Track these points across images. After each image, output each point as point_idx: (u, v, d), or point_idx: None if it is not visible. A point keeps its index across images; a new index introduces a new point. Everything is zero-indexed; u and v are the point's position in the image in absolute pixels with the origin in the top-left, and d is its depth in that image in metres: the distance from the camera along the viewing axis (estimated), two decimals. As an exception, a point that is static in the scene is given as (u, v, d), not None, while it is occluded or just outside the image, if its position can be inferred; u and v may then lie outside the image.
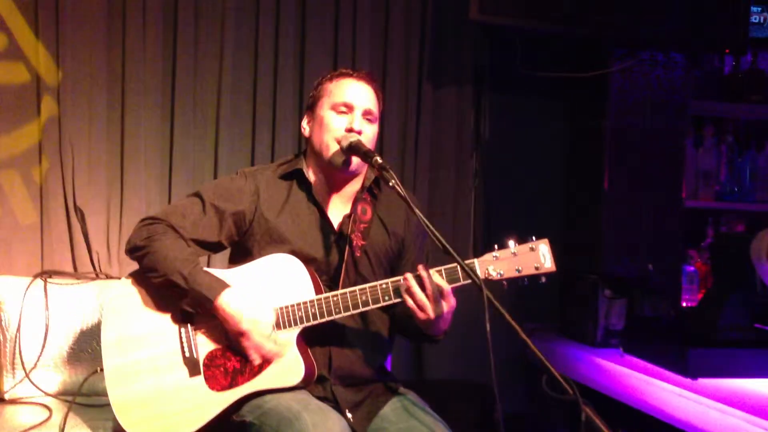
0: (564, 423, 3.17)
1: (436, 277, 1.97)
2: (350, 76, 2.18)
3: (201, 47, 3.13)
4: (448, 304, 1.97)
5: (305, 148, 2.26)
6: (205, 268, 2.10)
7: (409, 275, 1.97)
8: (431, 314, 1.96)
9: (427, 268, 1.97)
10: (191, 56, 3.12)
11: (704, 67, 3.54)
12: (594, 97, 3.33)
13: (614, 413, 2.73)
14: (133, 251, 2.12)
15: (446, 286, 1.96)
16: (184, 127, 3.14)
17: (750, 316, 2.78)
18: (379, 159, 2.00)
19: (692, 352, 2.65)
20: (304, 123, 2.24)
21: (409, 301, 1.97)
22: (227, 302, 2.01)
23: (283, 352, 2.03)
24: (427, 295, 1.95)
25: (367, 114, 2.15)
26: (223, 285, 2.03)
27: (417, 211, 1.93)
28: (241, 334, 2.01)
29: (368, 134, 2.14)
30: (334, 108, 2.14)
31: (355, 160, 2.11)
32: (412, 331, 2.13)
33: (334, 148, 2.11)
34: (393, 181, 1.96)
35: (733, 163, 3.62)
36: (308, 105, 2.25)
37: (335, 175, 2.16)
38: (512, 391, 3.27)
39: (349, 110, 2.13)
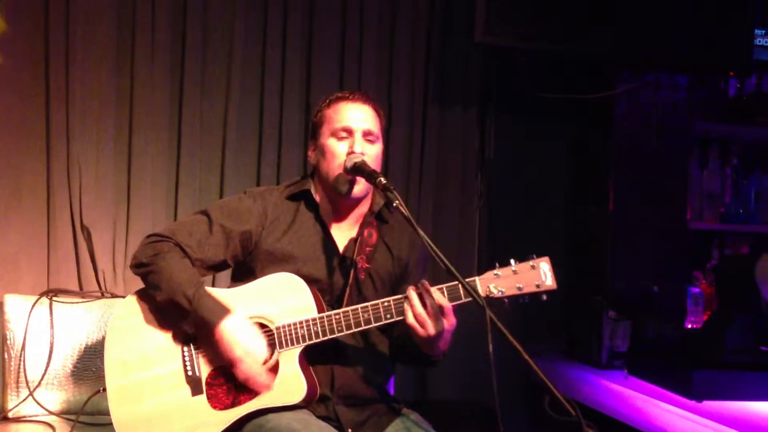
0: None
1: (437, 294, 1.97)
2: (346, 99, 2.18)
3: (209, 69, 3.16)
4: (449, 322, 1.97)
5: (312, 170, 2.27)
6: (208, 288, 2.10)
7: (411, 289, 1.97)
8: (431, 331, 1.95)
9: (428, 285, 1.97)
10: (198, 77, 3.15)
11: (709, 89, 3.54)
12: (599, 119, 3.34)
13: (619, 435, 2.72)
14: (137, 267, 2.13)
15: (447, 303, 1.96)
16: (190, 148, 3.16)
17: (755, 338, 2.76)
18: (383, 180, 2.01)
19: (697, 374, 2.64)
20: (310, 152, 2.25)
21: (409, 316, 1.96)
22: (225, 329, 2.01)
23: (284, 373, 2.02)
24: (427, 311, 1.94)
25: (367, 135, 2.15)
26: (226, 311, 2.03)
27: (419, 230, 1.92)
28: (234, 362, 2.01)
29: (371, 154, 2.14)
30: (335, 134, 2.15)
31: (359, 184, 2.11)
32: (410, 350, 2.11)
33: (338, 172, 2.12)
34: (397, 201, 1.97)
35: (738, 185, 3.61)
36: (311, 134, 2.25)
37: (341, 201, 2.18)
38: (515, 412, 3.25)
39: (349, 134, 2.14)
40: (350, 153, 2.11)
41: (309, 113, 3.25)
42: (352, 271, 2.15)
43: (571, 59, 3.32)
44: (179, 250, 2.10)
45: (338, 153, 2.13)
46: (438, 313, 1.95)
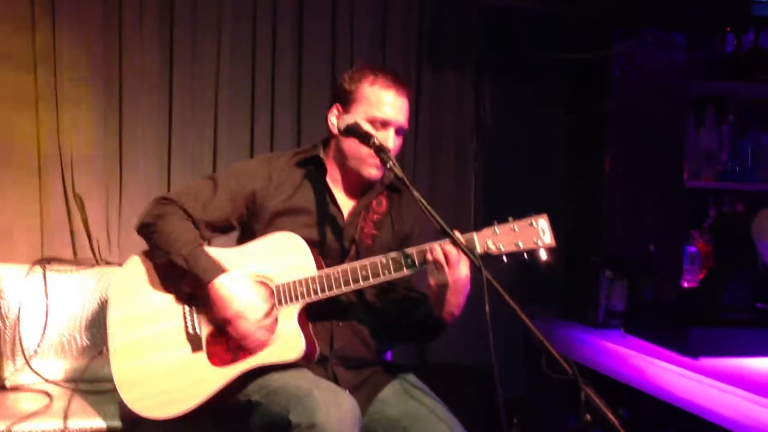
0: (564, 404, 3.17)
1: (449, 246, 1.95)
2: (389, 87, 2.12)
3: (198, 31, 3.12)
4: (466, 268, 1.95)
5: (326, 137, 2.24)
6: (209, 248, 2.12)
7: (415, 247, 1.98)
8: (449, 277, 1.93)
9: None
10: (189, 40, 3.11)
11: (706, 46, 3.50)
12: (595, 79, 3.31)
13: (616, 394, 2.73)
14: (141, 228, 2.16)
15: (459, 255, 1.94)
16: (182, 114, 3.13)
17: (751, 296, 2.77)
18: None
19: (693, 331, 2.65)
20: (333, 118, 2.19)
21: (431, 258, 1.94)
22: (219, 287, 2.03)
23: (283, 329, 2.03)
24: (446, 255, 1.93)
25: (400, 129, 2.14)
26: (220, 270, 2.05)
27: (415, 192, 1.92)
28: (228, 321, 2.02)
29: (397, 146, 2.14)
30: (372, 122, 2.10)
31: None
32: (419, 318, 2.12)
33: (366, 161, 2.11)
34: (390, 162, 1.98)
35: (735, 143, 3.59)
36: (340, 99, 2.17)
37: (357, 177, 2.17)
38: (513, 373, 3.26)
39: (384, 126, 2.11)
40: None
41: (300, 75, 3.22)
42: (355, 237, 2.16)
43: (567, 18, 3.27)
44: (182, 212, 2.13)
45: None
46: (458, 258, 1.93)
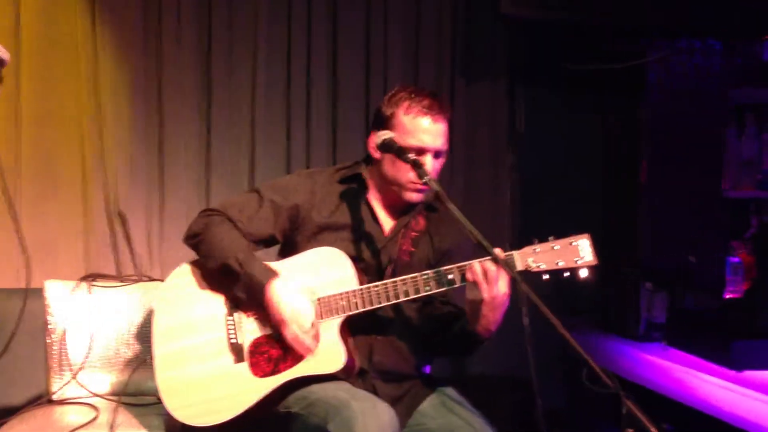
0: (605, 417, 3.14)
1: (488, 263, 1.95)
2: (426, 114, 2.10)
3: (235, 48, 3.18)
4: (506, 285, 1.94)
5: (366, 155, 2.25)
6: None
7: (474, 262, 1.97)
8: (490, 293, 1.94)
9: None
10: (225, 58, 3.17)
11: (743, 53, 3.46)
12: (631, 88, 3.29)
13: (658, 407, 2.70)
14: (190, 238, 2.20)
15: (502, 272, 1.94)
16: (220, 130, 3.18)
17: (796, 307, 2.72)
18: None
19: (736, 344, 2.61)
20: (373, 142, 2.18)
21: (472, 275, 1.95)
22: (275, 290, 2.05)
23: (324, 342, 2.05)
24: (485, 275, 1.93)
25: (438, 153, 2.14)
26: (274, 273, 2.08)
27: (451, 205, 1.93)
28: (283, 322, 2.04)
29: (436, 169, 2.15)
30: (408, 149, 2.08)
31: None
32: (457, 333, 2.12)
33: (409, 192, 2.14)
34: (426, 177, 1.99)
35: (777, 151, 3.53)
36: (378, 124, 2.16)
37: (397, 199, 2.19)
38: (552, 386, 3.24)
39: (421, 154, 2.10)
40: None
41: (335, 88, 3.25)
42: (395, 253, 2.18)
43: (600, 28, 3.25)
44: (230, 222, 2.16)
45: (409, 171, 2.09)
46: (497, 275, 1.93)
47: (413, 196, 2.16)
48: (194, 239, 2.18)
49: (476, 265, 1.96)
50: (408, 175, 2.11)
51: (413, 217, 2.24)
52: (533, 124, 3.47)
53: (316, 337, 2.06)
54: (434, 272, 2.03)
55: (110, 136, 3.06)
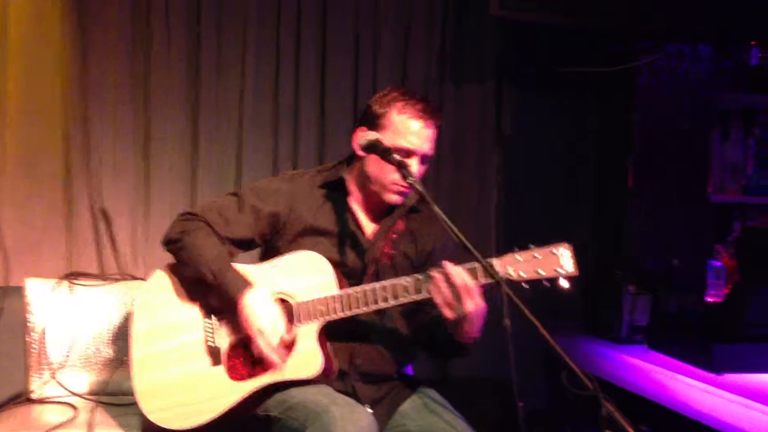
0: (586, 419, 3.15)
1: (461, 271, 1.93)
2: (420, 117, 2.10)
3: (224, 50, 3.17)
4: (474, 303, 1.92)
5: (350, 156, 2.25)
6: (235, 264, 2.13)
7: (433, 270, 1.96)
8: (458, 311, 1.93)
9: (449, 265, 1.95)
10: (214, 60, 3.16)
11: (732, 59, 3.48)
12: (620, 92, 3.30)
13: (639, 409, 2.71)
14: (168, 243, 2.18)
15: (471, 283, 1.92)
16: (207, 131, 3.17)
17: (776, 311, 2.74)
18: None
19: (717, 347, 2.62)
20: (357, 141, 2.17)
21: (436, 296, 1.95)
22: (246, 303, 2.04)
23: (302, 347, 2.05)
24: (452, 289, 1.92)
25: (425, 157, 2.14)
26: (247, 286, 2.06)
27: (435, 207, 1.92)
28: (252, 337, 2.04)
29: (420, 172, 2.13)
30: (396, 150, 2.07)
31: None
32: (440, 339, 2.11)
33: (391, 193, 2.13)
34: (411, 178, 1.99)
35: (761, 156, 3.55)
36: (367, 122, 2.15)
37: (379, 201, 2.18)
38: (534, 387, 3.25)
39: (409, 156, 2.10)
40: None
41: (324, 90, 3.24)
42: (375, 256, 2.17)
43: (589, 31, 3.26)
44: (208, 227, 2.15)
45: (396, 173, 2.08)
46: (464, 293, 1.92)
47: (394, 198, 2.15)
48: (171, 245, 2.16)
49: (444, 291, 1.93)
50: (392, 176, 2.10)
51: (395, 221, 2.22)
52: (521, 127, 3.47)
53: (292, 344, 2.05)
54: (413, 278, 2.01)
55: (95, 135, 3.04)
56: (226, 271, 2.07)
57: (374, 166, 2.13)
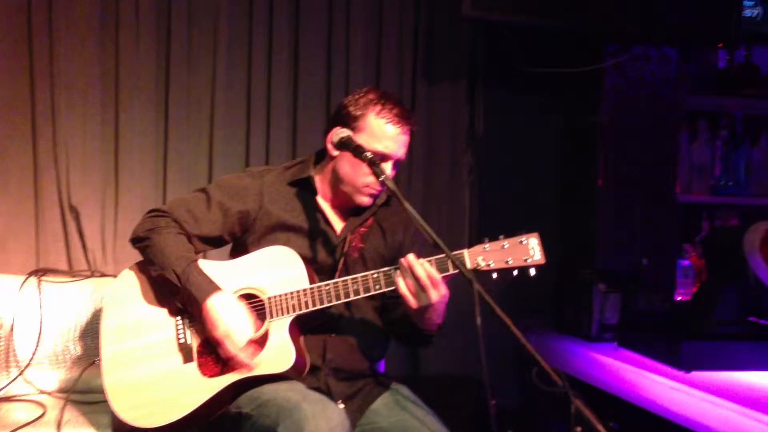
0: (557, 416, 3.18)
1: (426, 265, 1.97)
2: (397, 123, 2.12)
3: (194, 43, 3.14)
4: (438, 293, 1.96)
5: (320, 154, 2.25)
6: (203, 261, 2.13)
7: (401, 260, 1.98)
8: (423, 301, 1.96)
9: (414, 257, 1.98)
10: (185, 53, 3.13)
11: (698, 61, 3.53)
12: (588, 93, 3.33)
13: (609, 407, 2.74)
14: (135, 242, 2.17)
15: (436, 274, 1.95)
16: (178, 125, 3.14)
17: (743, 310, 2.78)
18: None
19: (685, 345, 2.66)
20: (330, 140, 2.18)
21: (401, 287, 1.97)
22: (210, 307, 2.03)
23: (273, 341, 2.04)
24: (417, 280, 1.95)
25: (398, 162, 2.17)
26: (214, 288, 2.05)
27: (406, 203, 1.93)
28: (218, 341, 2.03)
29: (391, 175, 2.13)
30: (371, 153, 2.06)
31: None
32: (405, 327, 2.14)
33: (362, 195, 2.15)
34: (383, 176, 1.98)
35: (728, 157, 3.61)
36: (342, 122, 2.15)
37: (348, 201, 2.19)
38: (505, 385, 3.28)
39: (383, 160, 2.11)
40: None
41: (296, 87, 3.23)
42: (344, 251, 2.17)
43: (559, 33, 3.29)
44: (176, 225, 2.14)
45: (370, 176, 2.09)
46: (428, 284, 1.95)
47: (365, 200, 2.17)
48: (139, 243, 2.15)
49: (408, 282, 1.96)
50: (364, 178, 2.12)
51: (364, 219, 2.24)
52: (492, 127, 3.49)
53: (264, 339, 2.05)
54: (383, 271, 2.03)
55: (63, 129, 2.99)
56: (189, 274, 2.06)
57: (347, 167, 2.14)
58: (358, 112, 2.14)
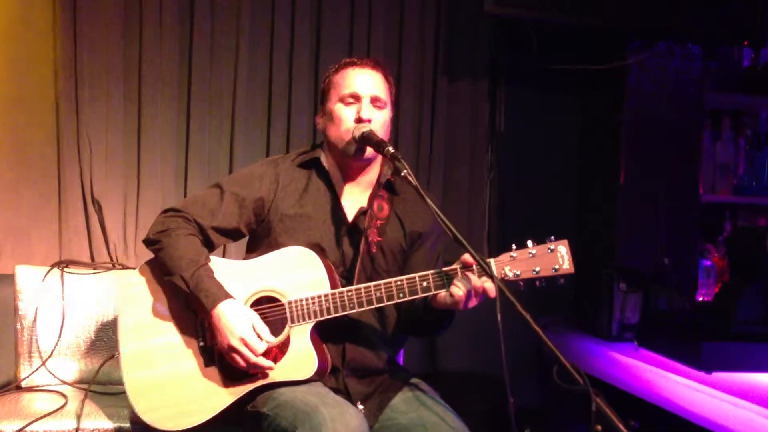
0: (576, 414, 3.16)
1: (474, 278, 1.94)
2: (354, 65, 2.18)
3: (217, 40, 3.16)
4: (479, 300, 1.97)
5: (322, 140, 2.26)
6: (221, 260, 2.11)
7: (459, 280, 1.95)
8: (467, 306, 1.97)
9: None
10: (207, 48, 3.15)
11: (722, 59, 3.49)
12: (610, 90, 3.31)
13: (628, 407, 2.72)
14: (148, 244, 2.16)
15: (490, 286, 1.92)
16: (199, 120, 3.16)
17: (765, 310, 2.75)
18: (391, 149, 2.01)
19: (706, 345, 2.64)
20: (318, 118, 2.25)
21: (457, 292, 1.94)
22: (220, 315, 2.01)
23: (295, 348, 2.03)
24: (470, 290, 1.94)
25: (375, 101, 2.15)
26: (224, 295, 2.04)
27: (428, 199, 1.92)
28: (229, 353, 2.01)
29: (378, 120, 2.13)
30: (342, 100, 2.14)
31: (369, 150, 2.11)
32: (426, 318, 2.12)
33: (347, 139, 2.12)
34: (405, 170, 1.96)
35: (752, 156, 3.57)
36: (320, 100, 2.25)
37: (350, 163, 2.17)
38: (525, 383, 3.27)
39: (356, 100, 2.14)
40: (358, 120, 2.11)
41: (317, 83, 3.24)
42: (363, 244, 2.14)
43: (581, 29, 3.27)
44: (188, 225, 2.12)
45: (345, 118, 2.13)
46: (477, 294, 1.95)
47: (352, 149, 2.11)
48: (151, 246, 2.14)
49: (460, 285, 1.95)
50: (345, 124, 2.11)
51: (377, 198, 2.19)
52: (513, 124, 3.48)
53: (286, 344, 2.04)
54: (408, 279, 1.99)
55: (86, 122, 3.02)
56: (198, 279, 2.04)
57: (330, 124, 2.16)
58: (326, 81, 2.22)
